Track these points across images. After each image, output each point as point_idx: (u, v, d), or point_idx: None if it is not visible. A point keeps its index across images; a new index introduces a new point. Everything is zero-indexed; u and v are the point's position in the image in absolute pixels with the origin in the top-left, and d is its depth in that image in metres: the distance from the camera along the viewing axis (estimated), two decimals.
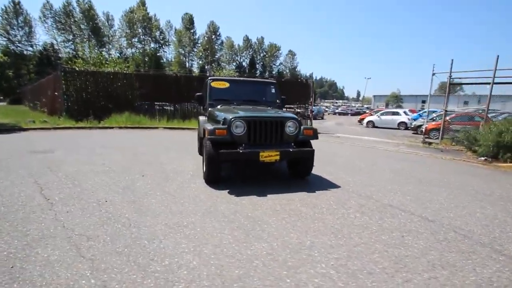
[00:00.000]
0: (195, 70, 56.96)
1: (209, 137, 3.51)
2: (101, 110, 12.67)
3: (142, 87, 13.75)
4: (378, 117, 18.48)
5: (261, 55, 68.47)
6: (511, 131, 5.42)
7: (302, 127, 3.87)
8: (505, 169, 5.42)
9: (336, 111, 44.00)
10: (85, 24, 47.88)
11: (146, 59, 48.85)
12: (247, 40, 66.28)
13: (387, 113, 19.03)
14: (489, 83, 8.77)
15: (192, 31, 57.83)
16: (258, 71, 63.94)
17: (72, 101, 12.66)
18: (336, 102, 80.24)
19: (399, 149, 8.49)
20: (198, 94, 4.93)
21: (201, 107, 5.84)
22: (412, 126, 16.02)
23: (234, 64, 64.40)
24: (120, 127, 11.80)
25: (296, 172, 4.23)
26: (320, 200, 3.34)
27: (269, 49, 68.37)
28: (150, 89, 14.12)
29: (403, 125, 17.12)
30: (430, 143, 10.12)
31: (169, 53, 58.13)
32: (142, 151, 6.48)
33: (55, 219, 2.57)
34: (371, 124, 18.26)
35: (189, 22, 56.97)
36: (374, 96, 60.97)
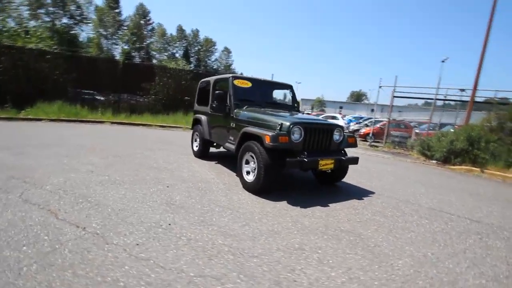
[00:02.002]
0: (118, 55, 50.44)
1: (272, 143, 3.17)
2: (21, 97, 9.92)
3: (71, 72, 11.41)
4: None
5: (196, 48, 65.79)
6: (461, 140, 6.79)
7: (346, 135, 3.92)
8: (459, 170, 6.76)
9: None
10: None
11: (55, 36, 40.27)
12: (181, 30, 62.56)
13: (327, 117, 21.04)
14: (418, 98, 10.79)
15: (117, 11, 50.91)
16: (192, 65, 61.21)
17: None
18: None
19: (365, 152, 9.51)
20: (218, 92, 4.39)
21: (197, 104, 5.23)
22: (349, 130, 18.15)
23: (166, 54, 59.95)
24: (52, 120, 9.56)
25: (326, 179, 4.25)
26: (379, 207, 3.45)
27: (205, 43, 66.26)
28: (85, 75, 11.87)
29: None
30: (376, 147, 11.75)
31: (87, 33, 49.70)
32: (121, 151, 5.41)
33: (128, 260, 1.89)
34: None
35: (113, 0, 49.95)
36: (302, 99, 66.52)
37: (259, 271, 1.88)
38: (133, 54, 53.88)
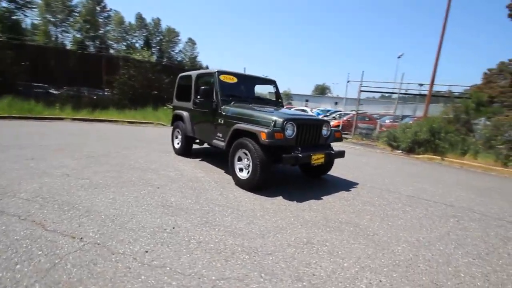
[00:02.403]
0: (69, 44, 46.07)
1: (268, 140, 3.18)
2: None
3: (20, 63, 10.21)
4: None
5: (158, 38, 62.51)
6: (424, 131, 7.45)
7: (332, 130, 4.07)
8: (422, 159, 7.44)
9: None
10: None
11: None
12: (140, 18, 58.83)
13: (297, 110, 21.56)
14: (382, 92, 11.59)
15: None
16: (155, 56, 58.17)
17: None
18: None
19: (335, 144, 9.94)
20: (204, 88, 4.24)
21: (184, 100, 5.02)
22: None
23: (125, 44, 56.06)
24: (2, 117, 8.50)
25: (313, 173, 4.39)
26: (366, 197, 3.66)
27: (167, 33, 63.23)
28: (36, 67, 10.68)
29: None
30: (346, 138, 12.38)
31: (32, 19, 44.34)
32: (94, 151, 5.03)
33: (142, 269, 1.79)
34: None
35: None
36: (269, 92, 67.08)
37: (277, 268, 1.90)
38: (87, 43, 49.63)
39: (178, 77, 5.62)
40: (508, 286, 1.92)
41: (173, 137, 5.55)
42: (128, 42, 57.85)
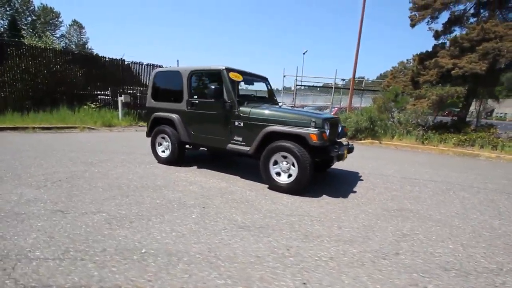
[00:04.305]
0: None
1: (319, 141, 3.15)
2: None
3: None
4: None
5: (29, 19, 49.42)
6: (364, 120, 8.81)
7: (343, 127, 4.35)
8: (363, 144, 8.79)
9: None
10: None
11: None
12: None
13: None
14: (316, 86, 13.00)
15: None
16: (25, 39, 46.00)
17: None
18: None
19: None
20: (215, 87, 3.76)
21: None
22: None
23: None
24: None
25: (320, 167, 4.60)
26: (379, 185, 4.14)
27: (42, 13, 50.74)
28: None
29: None
30: None
31: None
32: (49, 172, 3.82)
33: None
34: None
35: None
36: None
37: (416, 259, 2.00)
38: None
39: (154, 73, 4.76)
40: None
41: (155, 145, 4.72)
42: None
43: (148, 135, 4.95)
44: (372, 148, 8.12)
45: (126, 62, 11.79)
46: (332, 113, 12.39)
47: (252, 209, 2.86)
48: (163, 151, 4.67)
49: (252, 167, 4.75)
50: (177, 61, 13.07)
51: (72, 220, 2.41)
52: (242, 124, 3.75)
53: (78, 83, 11.00)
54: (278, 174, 3.49)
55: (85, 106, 10.32)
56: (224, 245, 2.11)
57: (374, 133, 8.83)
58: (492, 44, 7.66)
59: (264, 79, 5.03)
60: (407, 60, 12.14)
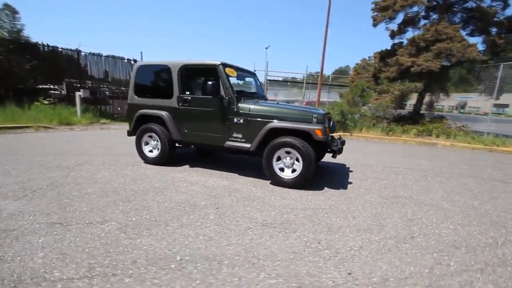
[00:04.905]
0: None
1: (323, 136, 3.26)
2: None
3: None
4: None
5: None
6: (336, 114, 9.28)
7: (333, 121, 4.53)
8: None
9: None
10: None
11: None
12: None
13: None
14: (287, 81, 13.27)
15: None
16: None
17: None
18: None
19: None
20: (214, 83, 3.62)
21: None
22: None
23: None
24: None
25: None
26: (369, 176, 4.43)
27: None
28: None
29: None
30: None
31: None
32: (22, 179, 3.39)
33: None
34: None
35: None
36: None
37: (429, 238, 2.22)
38: None
39: (137, 67, 4.41)
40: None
41: (141, 144, 4.40)
42: None
43: (130, 134, 4.61)
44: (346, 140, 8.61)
45: (83, 53, 10.67)
46: None
47: (266, 206, 2.87)
48: (151, 151, 4.39)
49: (244, 163, 4.73)
50: (141, 53, 12.23)
51: (79, 232, 2.17)
52: (241, 120, 3.70)
53: (26, 76, 9.68)
54: (281, 169, 3.53)
55: (37, 103, 9.14)
56: (257, 244, 2.10)
57: (346, 126, 9.37)
58: (444, 44, 8.61)
59: (253, 74, 4.99)
60: (369, 57, 13.02)
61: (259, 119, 3.60)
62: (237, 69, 4.28)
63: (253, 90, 4.91)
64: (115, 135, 7.48)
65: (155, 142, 4.31)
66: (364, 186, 3.77)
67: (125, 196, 2.98)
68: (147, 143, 4.41)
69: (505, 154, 7.16)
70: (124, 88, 11.65)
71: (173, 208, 2.72)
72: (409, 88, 9.29)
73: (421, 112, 11.33)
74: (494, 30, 10.09)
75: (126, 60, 11.80)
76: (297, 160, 3.41)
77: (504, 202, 3.35)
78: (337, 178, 4.11)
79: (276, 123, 3.48)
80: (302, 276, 1.74)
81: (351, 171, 4.56)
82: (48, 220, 2.36)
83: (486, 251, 2.16)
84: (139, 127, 4.38)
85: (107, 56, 11.37)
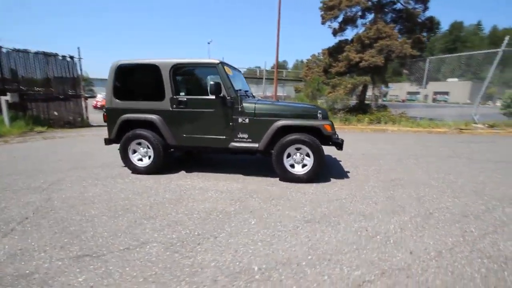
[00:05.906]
0: None
1: (332, 132, 3.45)
2: None
3: None
4: None
5: None
6: None
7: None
8: None
9: None
10: None
11: None
12: None
13: None
14: None
15: None
16: None
17: None
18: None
19: None
20: (216, 82, 3.44)
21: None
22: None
23: None
24: None
25: None
26: (350, 163, 4.84)
27: None
28: None
29: None
30: None
31: None
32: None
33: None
34: None
35: None
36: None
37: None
38: None
39: (116, 67, 3.89)
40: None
41: (127, 152, 3.95)
42: None
43: (109, 142, 4.10)
44: None
45: (4, 50, 8.80)
46: None
47: (294, 204, 2.93)
48: (140, 159, 3.98)
49: (240, 162, 4.66)
50: (78, 48, 10.65)
51: (122, 261, 1.90)
52: (247, 120, 3.64)
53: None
54: (292, 166, 3.62)
55: None
56: (317, 241, 2.16)
57: None
58: (385, 42, 9.80)
59: (238, 71, 4.90)
60: (318, 53, 13.94)
61: (266, 118, 3.60)
62: (232, 67, 4.18)
63: (241, 87, 4.84)
64: (67, 145, 6.51)
65: (145, 149, 3.93)
66: (361, 173, 4.13)
67: (142, 212, 2.68)
68: (135, 151, 3.98)
69: (442, 135, 8.61)
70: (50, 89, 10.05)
71: (206, 218, 2.57)
72: (360, 81, 10.34)
73: (366, 102, 12.71)
74: (418, 29, 11.87)
75: (61, 57, 10.17)
76: (307, 155, 3.54)
77: (469, 175, 4.08)
78: (332, 168, 4.39)
79: (285, 121, 3.54)
80: (377, 262, 1.88)
81: (341, 161, 4.92)
82: (68, 254, 2.00)
83: (487, 216, 2.64)
84: (123, 134, 3.92)
85: (36, 53, 9.62)
